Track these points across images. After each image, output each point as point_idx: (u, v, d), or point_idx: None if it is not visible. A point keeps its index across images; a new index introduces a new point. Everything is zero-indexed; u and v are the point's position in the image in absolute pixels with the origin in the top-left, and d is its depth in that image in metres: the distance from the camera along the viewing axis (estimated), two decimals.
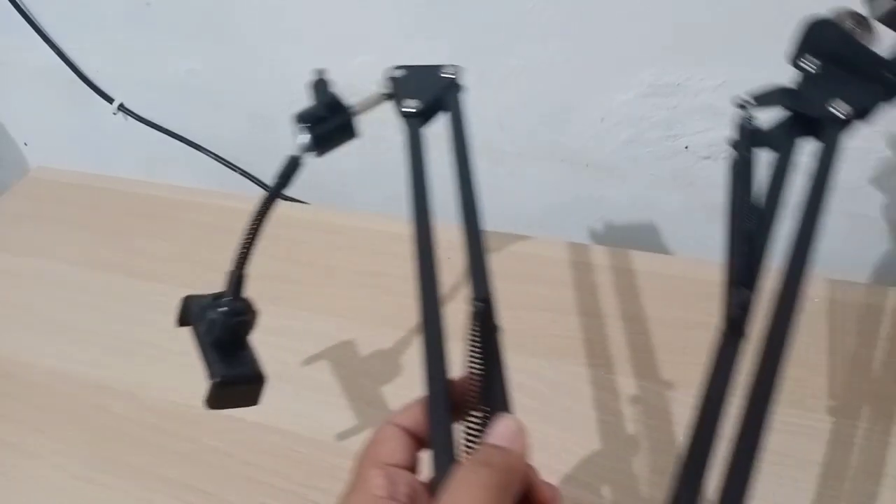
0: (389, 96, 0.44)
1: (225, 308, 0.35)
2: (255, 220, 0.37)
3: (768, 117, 0.38)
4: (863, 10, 0.39)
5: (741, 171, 0.35)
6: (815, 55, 0.39)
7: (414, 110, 0.42)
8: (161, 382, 0.58)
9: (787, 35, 0.55)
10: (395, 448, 0.28)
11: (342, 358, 0.58)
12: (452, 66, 0.45)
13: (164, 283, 0.68)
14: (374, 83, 0.74)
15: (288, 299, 0.65)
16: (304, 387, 0.56)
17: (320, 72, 0.42)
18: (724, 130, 0.62)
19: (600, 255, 0.65)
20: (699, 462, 0.27)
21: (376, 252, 0.69)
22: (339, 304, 0.64)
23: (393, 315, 0.62)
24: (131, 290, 0.68)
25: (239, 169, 0.84)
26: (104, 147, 0.93)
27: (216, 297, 0.36)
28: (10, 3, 0.80)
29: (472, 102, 0.70)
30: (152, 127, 0.86)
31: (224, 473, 0.52)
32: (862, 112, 0.37)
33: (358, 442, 0.53)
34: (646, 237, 0.73)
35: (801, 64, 0.39)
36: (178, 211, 0.78)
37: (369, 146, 0.78)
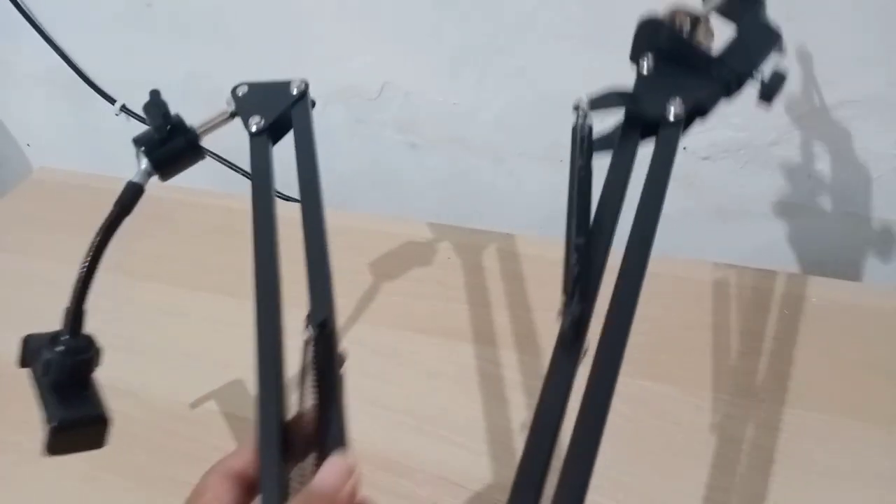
0: (234, 114, 0.42)
1: (62, 347, 0.32)
2: (94, 253, 0.36)
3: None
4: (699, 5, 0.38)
5: (578, 180, 0.34)
6: (652, 54, 0.38)
7: (255, 129, 0.41)
8: (163, 382, 0.59)
9: (786, 35, 0.55)
10: (217, 496, 0.27)
11: None
12: (301, 80, 0.43)
13: (166, 283, 0.69)
14: (374, 83, 0.75)
15: (288, 299, 0.65)
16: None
17: (153, 92, 0.40)
18: (723, 131, 0.62)
19: None
20: (534, 478, 0.26)
21: (376, 252, 0.69)
22: (338, 304, 0.64)
23: (392, 315, 0.62)
24: (133, 290, 0.69)
25: (240, 169, 0.84)
26: (106, 148, 0.94)
27: (54, 337, 0.33)
28: (12, 5, 0.80)
29: (473, 102, 0.70)
30: None
31: None
32: (699, 111, 0.36)
33: (358, 441, 0.54)
34: None
35: (640, 63, 0.38)
36: (179, 211, 0.78)
37: (369, 147, 0.78)
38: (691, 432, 0.50)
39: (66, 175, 0.87)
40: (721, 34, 0.38)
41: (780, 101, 0.58)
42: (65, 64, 0.85)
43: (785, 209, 0.65)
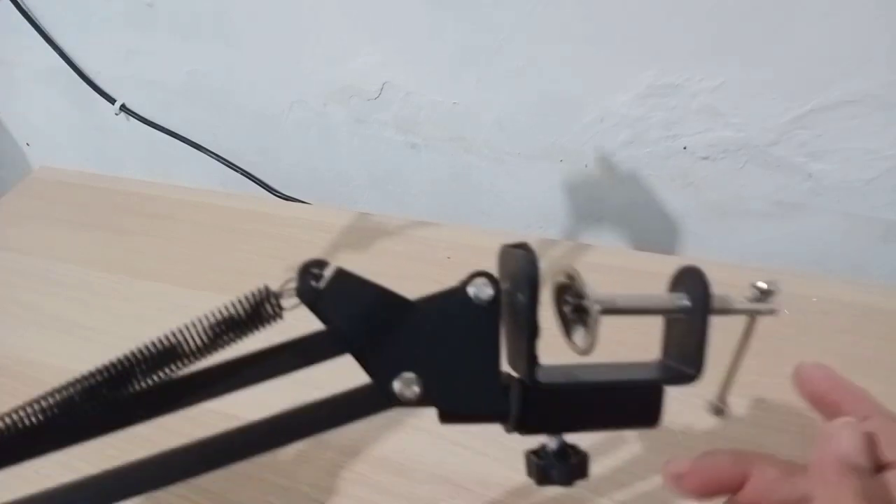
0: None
1: None
2: None
3: None
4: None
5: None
6: (494, 286, 0.26)
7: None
8: None
9: (784, 37, 0.55)
10: None
11: (343, 357, 0.59)
12: None
13: (166, 282, 0.69)
14: (374, 83, 0.75)
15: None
16: (306, 385, 0.56)
17: None
18: (722, 131, 0.62)
19: (600, 255, 0.65)
20: None
21: (375, 252, 0.69)
22: None
23: None
24: (133, 289, 0.69)
25: (240, 169, 0.84)
26: (106, 147, 0.94)
27: None
28: (11, 4, 0.80)
29: (473, 102, 0.71)
30: (154, 127, 0.86)
31: (228, 472, 0.51)
32: (443, 410, 0.26)
33: (360, 440, 0.54)
34: (645, 237, 0.73)
35: (472, 286, 0.26)
36: (179, 210, 0.78)
37: (369, 147, 0.78)
38: (692, 432, 0.50)
39: (66, 174, 0.87)
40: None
41: (780, 95, 0.59)
42: (65, 63, 0.85)
43: (784, 209, 0.65)
